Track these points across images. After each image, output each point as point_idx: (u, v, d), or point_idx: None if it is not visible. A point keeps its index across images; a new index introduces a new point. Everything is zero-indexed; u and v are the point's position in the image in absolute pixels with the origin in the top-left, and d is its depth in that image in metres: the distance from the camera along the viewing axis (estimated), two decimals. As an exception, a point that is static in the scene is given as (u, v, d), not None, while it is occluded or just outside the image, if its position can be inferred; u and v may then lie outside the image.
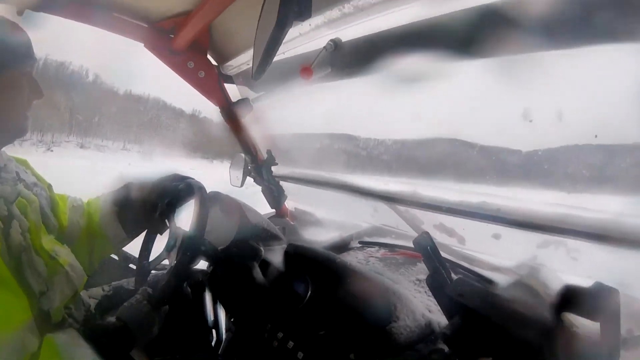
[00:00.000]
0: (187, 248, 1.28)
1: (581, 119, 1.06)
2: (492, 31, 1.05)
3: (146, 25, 1.83)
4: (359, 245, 1.84)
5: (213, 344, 1.52)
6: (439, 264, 0.99)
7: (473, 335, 0.91)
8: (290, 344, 1.24)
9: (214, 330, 1.51)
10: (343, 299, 1.21)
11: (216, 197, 1.57)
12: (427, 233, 1.00)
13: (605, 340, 0.73)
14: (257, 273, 1.41)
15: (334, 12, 1.28)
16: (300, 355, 1.20)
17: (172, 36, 1.84)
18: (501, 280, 1.40)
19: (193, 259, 1.34)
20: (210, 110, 2.26)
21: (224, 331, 1.50)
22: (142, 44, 1.85)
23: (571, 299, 0.75)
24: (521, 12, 1.00)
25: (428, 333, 1.14)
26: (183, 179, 1.44)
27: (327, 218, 2.22)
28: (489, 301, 0.89)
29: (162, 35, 1.85)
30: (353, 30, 1.36)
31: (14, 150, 1.30)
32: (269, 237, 1.57)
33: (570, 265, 1.28)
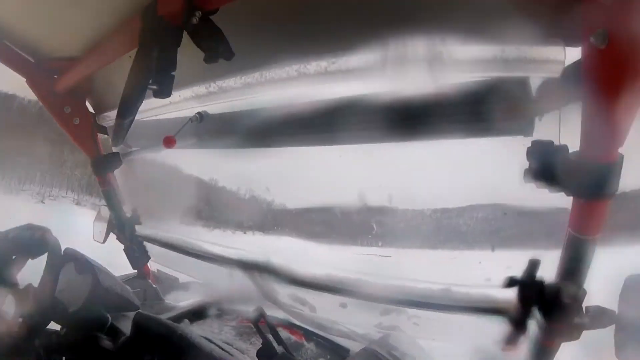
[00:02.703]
0: (38, 306, 1.27)
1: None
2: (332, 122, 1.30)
3: (32, 61, 1.83)
4: (217, 311, 1.90)
5: None
6: (270, 337, 1.12)
7: None
8: None
9: None
10: None
11: (71, 255, 1.56)
12: (260, 307, 1.14)
13: None
14: (105, 342, 1.41)
15: (200, 89, 1.45)
16: None
17: (56, 77, 1.86)
18: (353, 346, 1.59)
19: (43, 318, 1.32)
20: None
21: None
22: (25, 79, 1.84)
23: None
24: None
25: None
26: (36, 230, 1.43)
27: (190, 281, 2.25)
28: None
29: (46, 75, 1.86)
30: (219, 106, 1.54)
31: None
32: (122, 303, 1.58)
33: (414, 330, 1.49)
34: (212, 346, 1.31)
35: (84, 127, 2.06)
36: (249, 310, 1.87)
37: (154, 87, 1.07)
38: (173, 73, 1.06)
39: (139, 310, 1.47)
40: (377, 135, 1.26)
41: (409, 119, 1.22)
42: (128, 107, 1.11)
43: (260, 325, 1.14)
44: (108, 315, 1.45)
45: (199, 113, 1.58)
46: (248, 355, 1.36)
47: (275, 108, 1.40)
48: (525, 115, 1.20)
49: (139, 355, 1.34)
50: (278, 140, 1.43)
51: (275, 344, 1.10)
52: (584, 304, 1.27)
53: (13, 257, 1.36)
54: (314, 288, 1.47)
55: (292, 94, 1.32)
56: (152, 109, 1.70)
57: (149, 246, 2.31)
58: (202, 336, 1.34)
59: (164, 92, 1.08)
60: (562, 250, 1.21)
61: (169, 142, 1.47)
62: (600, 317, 1.25)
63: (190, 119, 1.57)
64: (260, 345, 1.52)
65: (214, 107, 1.54)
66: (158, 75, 1.05)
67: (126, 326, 1.44)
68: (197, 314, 1.87)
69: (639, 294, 1.19)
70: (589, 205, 1.12)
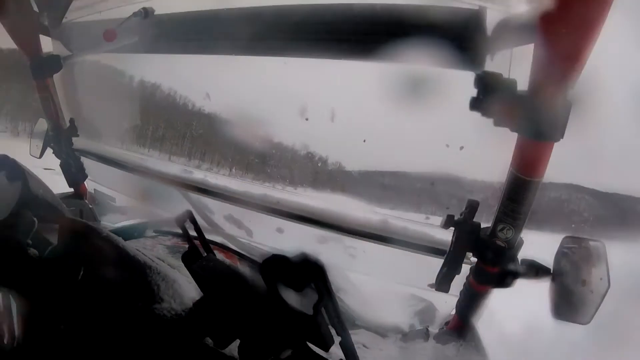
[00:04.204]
0: None
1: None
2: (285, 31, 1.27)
3: None
4: (153, 234, 1.90)
5: (5, 341, 1.44)
6: (196, 241, 1.12)
7: (217, 309, 1.05)
8: (61, 326, 1.25)
9: (4, 325, 1.44)
10: (109, 278, 1.26)
11: (3, 161, 1.51)
12: (189, 211, 1.13)
13: (319, 308, 0.89)
14: (31, 251, 1.40)
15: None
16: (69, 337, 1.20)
17: None
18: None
19: None
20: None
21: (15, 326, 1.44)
22: None
23: (276, 272, 0.90)
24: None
25: (190, 316, 1.24)
26: None
27: (128, 205, 2.23)
28: (228, 272, 1.05)
29: None
30: (168, 3, 1.48)
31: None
32: (52, 213, 1.55)
33: (349, 262, 1.53)
34: (138, 253, 1.31)
35: (26, 24, 1.94)
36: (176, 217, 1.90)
37: None
38: None
39: (64, 215, 1.45)
40: (325, 50, 1.24)
41: (356, 35, 1.20)
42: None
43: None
44: (35, 220, 1.42)
45: (144, 8, 1.51)
46: (179, 271, 1.37)
47: (226, 12, 1.36)
48: (477, 50, 1.20)
49: (64, 261, 1.34)
50: (225, 47, 1.39)
51: (201, 249, 1.10)
52: (520, 256, 1.33)
53: None
54: (250, 207, 1.48)
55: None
56: (98, 3, 1.62)
57: (88, 165, 2.26)
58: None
59: None
60: (502, 190, 1.24)
61: (110, 35, 1.41)
62: (535, 271, 1.30)
63: (134, 13, 1.50)
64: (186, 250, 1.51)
65: (161, 5, 1.48)
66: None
67: (54, 238, 1.43)
68: (133, 233, 1.87)
69: (575, 254, 1.22)
70: (533, 145, 1.14)
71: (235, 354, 1.13)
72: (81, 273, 1.31)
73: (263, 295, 0.98)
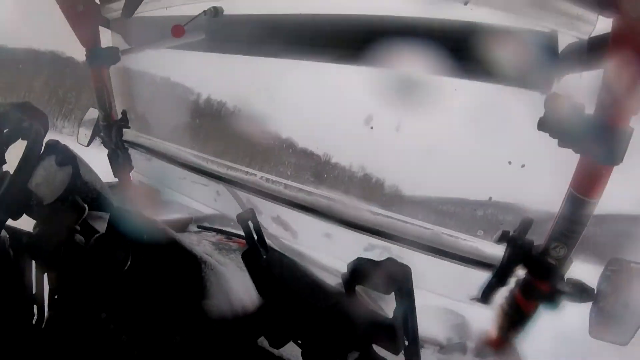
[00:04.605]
0: (7, 195, 1.27)
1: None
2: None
3: None
4: (196, 229, 1.94)
5: (34, 321, 1.48)
6: (257, 241, 1.15)
7: (279, 310, 1.08)
8: (103, 315, 1.26)
9: (35, 306, 1.47)
10: (159, 269, 1.28)
11: (54, 146, 1.56)
12: (252, 210, 1.16)
13: (399, 312, 0.93)
14: (78, 237, 1.43)
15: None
16: (111, 326, 1.24)
17: None
18: (328, 279, 1.64)
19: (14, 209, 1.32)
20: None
21: (46, 308, 1.48)
22: None
23: (363, 272, 0.93)
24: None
25: (243, 314, 1.23)
26: (28, 111, 1.42)
27: (172, 199, 2.28)
28: (293, 273, 1.08)
29: None
30: (238, 4, 1.53)
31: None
32: (100, 201, 1.59)
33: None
34: (193, 246, 1.34)
35: (87, 15, 2.01)
36: (230, 229, 1.94)
37: None
38: None
39: (117, 206, 1.49)
40: (397, 63, 1.28)
41: (432, 50, 1.24)
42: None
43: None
44: (85, 206, 1.46)
45: (214, 7, 1.57)
46: (227, 269, 1.39)
47: (297, 17, 1.40)
48: (547, 71, 1.24)
49: (112, 252, 1.36)
50: (297, 51, 1.43)
51: (260, 248, 1.13)
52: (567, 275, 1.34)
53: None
54: (300, 210, 1.51)
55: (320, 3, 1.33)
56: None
57: (134, 157, 2.32)
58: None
59: None
60: (560, 209, 1.26)
61: (177, 31, 1.46)
62: (580, 290, 1.31)
63: (204, 12, 1.55)
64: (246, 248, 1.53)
65: (232, 5, 1.53)
66: None
67: (102, 227, 1.46)
68: (176, 228, 1.91)
69: (619, 277, 1.24)
70: (594, 166, 1.17)
71: (287, 356, 1.16)
72: (128, 264, 1.34)
73: (330, 297, 1.02)
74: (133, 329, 1.23)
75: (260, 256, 1.11)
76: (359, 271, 0.93)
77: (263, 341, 1.13)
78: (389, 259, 0.93)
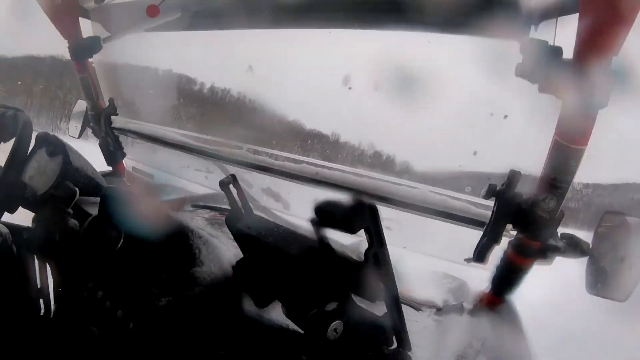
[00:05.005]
0: (1, 189, 1.30)
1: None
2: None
3: None
4: (191, 208, 1.96)
5: (42, 314, 1.50)
6: (239, 203, 1.16)
7: (259, 267, 1.08)
8: (100, 293, 1.29)
9: (41, 300, 1.50)
10: (151, 241, 1.29)
11: (44, 138, 1.57)
12: (233, 175, 1.17)
13: (370, 253, 0.92)
14: (71, 222, 1.44)
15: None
16: (108, 304, 1.26)
17: None
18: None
19: (10, 203, 1.35)
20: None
21: (52, 301, 1.49)
22: None
23: (330, 214, 0.91)
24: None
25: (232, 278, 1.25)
26: (8, 109, 1.43)
27: (166, 183, 2.29)
28: (272, 230, 1.08)
29: None
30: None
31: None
32: (91, 185, 1.61)
33: (386, 234, 1.55)
34: (181, 217, 1.35)
35: (66, 7, 2.02)
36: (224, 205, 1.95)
37: None
38: None
39: (109, 186, 1.50)
40: (368, 20, 1.26)
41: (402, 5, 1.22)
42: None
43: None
44: (77, 190, 1.47)
45: (186, -17, 1.56)
46: (218, 240, 1.41)
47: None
48: (522, 19, 1.21)
49: (104, 232, 1.38)
50: (272, 20, 1.42)
51: (241, 210, 1.14)
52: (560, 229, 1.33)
53: None
54: (288, 177, 1.51)
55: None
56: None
57: (126, 144, 2.32)
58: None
59: None
60: (546, 159, 1.24)
61: (152, 10, 1.45)
62: (574, 246, 1.30)
63: (177, -12, 1.55)
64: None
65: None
66: None
67: (94, 211, 1.47)
68: (171, 208, 1.92)
69: (614, 230, 1.22)
70: (578, 111, 1.15)
71: (274, 315, 1.16)
72: (121, 242, 1.36)
73: (307, 249, 1.01)
74: (127, 303, 1.25)
75: (241, 217, 1.12)
76: (325, 213, 0.91)
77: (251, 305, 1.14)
78: (355, 198, 0.90)
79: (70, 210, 1.46)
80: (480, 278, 1.52)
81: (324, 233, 0.93)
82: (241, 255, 1.23)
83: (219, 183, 1.13)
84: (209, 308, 1.16)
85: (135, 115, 2.26)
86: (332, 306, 0.95)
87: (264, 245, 1.06)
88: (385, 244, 0.93)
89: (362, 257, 0.94)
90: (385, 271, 0.94)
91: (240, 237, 1.15)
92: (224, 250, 1.31)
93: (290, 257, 1.00)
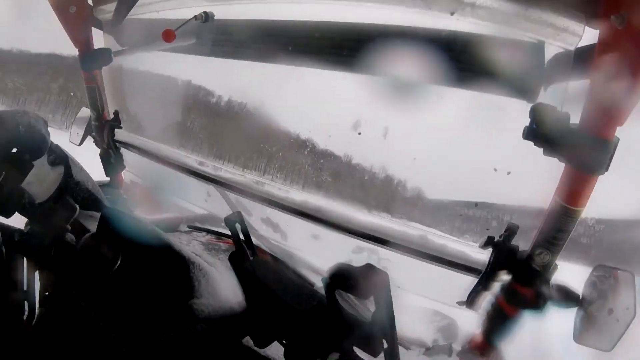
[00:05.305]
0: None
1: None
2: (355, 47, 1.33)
3: None
4: (187, 229, 1.95)
5: (25, 318, 1.48)
6: (244, 243, 1.17)
7: (263, 311, 1.10)
8: (92, 313, 1.28)
9: (26, 303, 1.47)
10: (149, 269, 1.30)
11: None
12: (239, 212, 1.18)
13: (378, 316, 0.95)
14: (69, 236, 1.44)
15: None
16: (101, 324, 1.25)
17: None
18: (318, 280, 1.67)
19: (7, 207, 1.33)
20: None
21: (37, 305, 1.48)
22: None
23: (343, 278, 0.94)
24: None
25: (230, 314, 1.26)
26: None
27: (163, 198, 2.29)
28: (278, 275, 1.10)
29: None
30: (228, 9, 1.54)
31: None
32: (91, 200, 1.60)
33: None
34: (182, 247, 1.35)
35: (79, 17, 2.02)
36: (220, 229, 1.95)
37: None
38: None
39: (108, 206, 1.50)
40: (384, 70, 1.29)
41: (420, 58, 1.26)
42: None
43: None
44: (77, 207, 1.47)
45: (204, 12, 1.58)
46: (215, 268, 1.41)
47: (289, 22, 1.41)
48: (533, 81, 1.25)
49: (101, 251, 1.37)
50: (287, 57, 1.44)
51: (247, 251, 1.15)
52: (553, 280, 1.36)
53: None
54: (290, 211, 1.52)
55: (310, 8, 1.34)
56: (156, 2, 1.69)
57: (126, 156, 2.32)
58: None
59: None
60: (544, 217, 1.28)
61: (168, 35, 1.46)
62: (565, 296, 1.33)
63: (195, 17, 1.57)
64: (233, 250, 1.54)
65: (223, 10, 1.54)
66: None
67: (92, 226, 1.47)
68: (167, 228, 1.92)
69: (604, 282, 1.26)
70: (579, 176, 1.19)
71: (272, 355, 1.18)
72: (118, 263, 1.36)
73: (316, 306, 1.03)
74: (122, 327, 1.25)
75: (246, 258, 1.13)
76: (339, 276, 0.95)
77: (248, 340, 1.15)
78: (368, 265, 0.94)
79: (68, 227, 1.45)
80: (470, 317, 1.54)
81: (335, 295, 0.97)
82: (239, 289, 1.24)
83: (224, 220, 1.14)
84: (208, 345, 1.16)
85: (140, 130, 2.27)
86: (334, 357, 0.98)
87: (270, 292, 1.07)
88: (393, 310, 0.95)
89: (369, 315, 0.97)
90: (390, 333, 0.96)
91: (244, 278, 1.15)
92: (224, 285, 1.31)
93: (298, 312, 1.02)
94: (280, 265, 1.16)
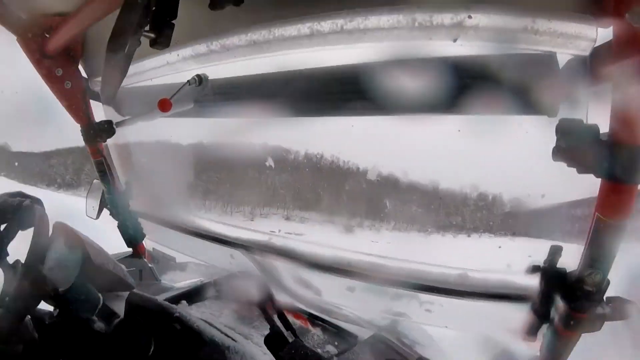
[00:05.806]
0: (24, 284, 1.26)
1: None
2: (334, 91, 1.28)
3: (24, 17, 1.79)
4: (216, 294, 1.90)
5: None
6: (280, 324, 1.11)
7: None
8: None
9: None
10: (182, 354, 1.26)
11: (60, 229, 1.55)
12: (269, 289, 1.13)
13: None
14: (97, 325, 1.41)
15: (201, 47, 1.42)
16: None
17: (48, 36, 1.82)
18: (361, 332, 1.60)
19: (31, 299, 1.31)
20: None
21: None
22: (15, 37, 1.81)
23: None
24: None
25: None
26: (24, 198, 1.41)
27: (188, 262, 2.25)
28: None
29: (38, 32, 1.82)
30: (220, 69, 1.51)
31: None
32: (115, 282, 1.57)
33: (426, 317, 1.50)
34: (213, 330, 1.30)
35: (75, 92, 2.03)
36: (251, 292, 1.90)
37: (151, 35, 1.01)
38: (173, 22, 1.00)
39: (133, 290, 1.46)
40: (395, 107, 1.24)
41: (429, 91, 1.20)
42: (117, 50, 1.04)
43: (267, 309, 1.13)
44: (100, 296, 1.44)
45: (197, 75, 1.57)
46: (251, 341, 1.35)
47: (283, 74, 1.37)
48: (551, 95, 1.19)
49: (134, 337, 1.34)
50: (284, 110, 1.40)
51: (284, 330, 1.09)
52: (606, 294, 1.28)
53: (1, 227, 1.36)
54: (320, 269, 1.47)
55: (303, 57, 1.30)
56: (148, 71, 1.68)
57: (145, 223, 2.30)
58: (201, 319, 1.33)
59: (162, 41, 1.01)
60: (588, 235, 1.20)
61: (164, 105, 1.44)
62: (622, 308, 1.25)
63: (188, 82, 1.55)
64: (268, 332, 1.51)
65: (215, 70, 1.52)
66: (156, 21, 0.99)
67: (119, 307, 1.44)
68: (195, 295, 1.87)
69: None
70: (618, 188, 1.11)
71: None
72: (152, 349, 1.31)
73: None
74: None
75: (284, 342, 1.07)
76: None
77: None
78: None
79: (94, 318, 1.43)
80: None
81: None
82: None
83: (256, 304, 1.09)
84: None
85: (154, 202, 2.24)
86: None
87: None
88: None
89: None
90: None
91: None
92: (258, 356, 1.25)
93: None
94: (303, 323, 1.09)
